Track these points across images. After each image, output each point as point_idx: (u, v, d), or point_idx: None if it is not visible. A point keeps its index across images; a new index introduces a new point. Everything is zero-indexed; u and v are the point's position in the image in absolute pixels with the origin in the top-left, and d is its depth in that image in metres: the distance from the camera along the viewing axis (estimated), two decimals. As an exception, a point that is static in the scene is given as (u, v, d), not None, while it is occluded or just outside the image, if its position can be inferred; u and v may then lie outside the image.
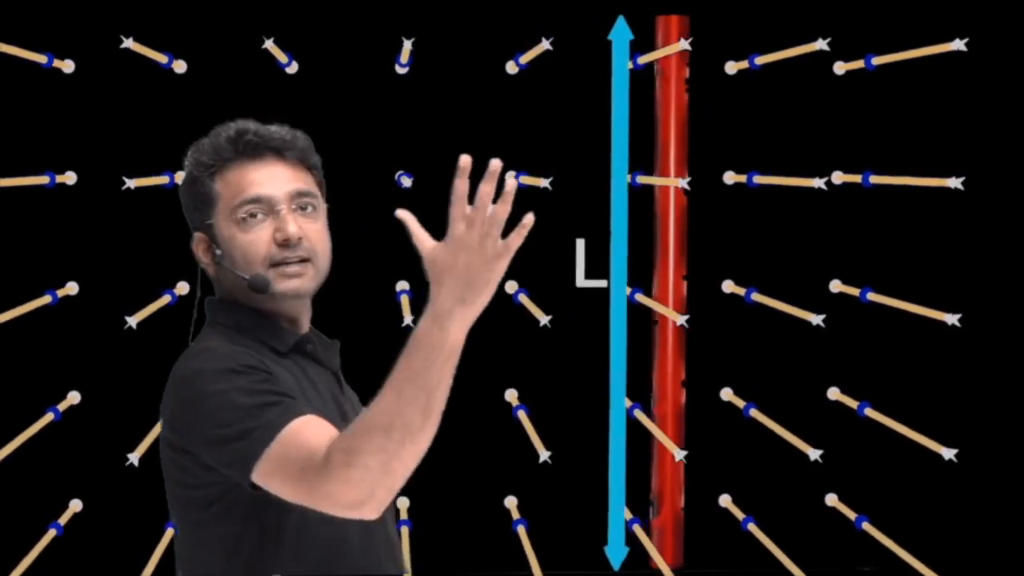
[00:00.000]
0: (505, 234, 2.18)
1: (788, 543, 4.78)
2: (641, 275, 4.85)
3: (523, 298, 4.75)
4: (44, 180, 4.65)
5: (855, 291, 4.80)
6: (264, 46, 4.67)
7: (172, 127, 4.50)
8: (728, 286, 4.84)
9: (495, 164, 2.13)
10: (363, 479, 2.23)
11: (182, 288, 4.66)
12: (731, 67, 4.80)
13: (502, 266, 2.18)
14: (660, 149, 4.86)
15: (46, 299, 4.66)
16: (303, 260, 2.55)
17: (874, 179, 4.76)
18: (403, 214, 2.21)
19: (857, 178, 4.76)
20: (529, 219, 2.18)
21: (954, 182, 4.72)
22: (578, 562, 4.80)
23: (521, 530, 4.75)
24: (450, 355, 2.20)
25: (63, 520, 4.65)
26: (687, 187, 4.81)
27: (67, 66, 4.65)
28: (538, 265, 4.68)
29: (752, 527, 4.78)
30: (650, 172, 4.85)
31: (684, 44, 4.76)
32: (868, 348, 4.84)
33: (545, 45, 4.72)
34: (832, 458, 4.77)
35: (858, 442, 4.80)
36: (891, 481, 4.82)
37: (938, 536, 4.78)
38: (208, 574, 2.50)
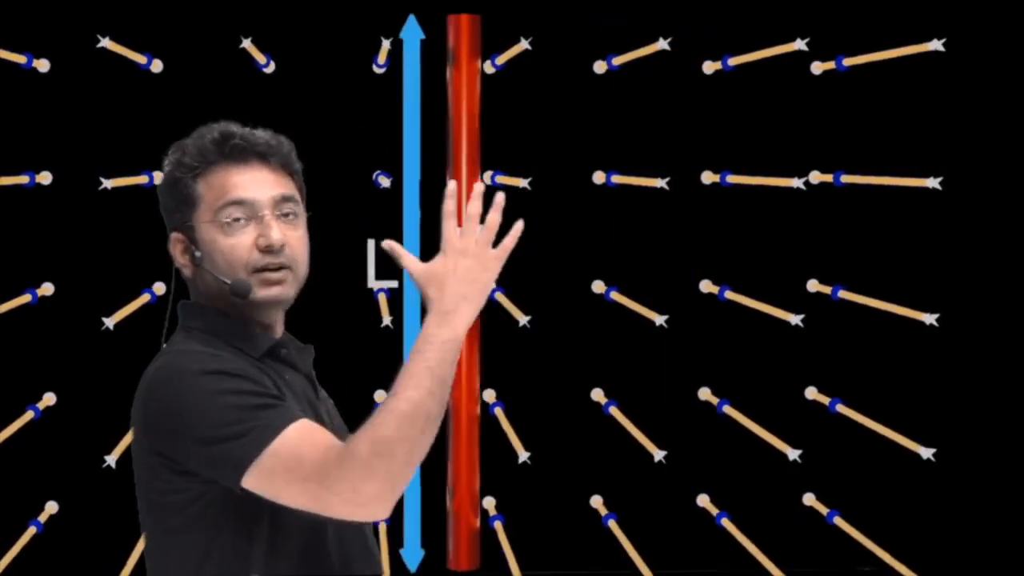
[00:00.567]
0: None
1: (766, 542, 4.78)
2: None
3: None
4: (23, 180, 4.63)
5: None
6: (242, 46, 4.66)
7: (149, 127, 4.49)
8: (706, 286, 4.84)
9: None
10: (388, 469, 2.30)
11: (160, 289, 4.64)
12: (708, 67, 4.80)
13: (497, 267, 2.39)
14: (452, 147, 4.76)
15: (26, 298, 4.63)
16: (283, 267, 2.54)
17: (853, 179, 4.76)
18: (389, 244, 2.41)
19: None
20: (519, 225, 2.40)
21: (932, 182, 4.73)
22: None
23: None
24: (457, 349, 2.36)
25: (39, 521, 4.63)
26: (666, 186, 4.81)
27: (43, 65, 4.63)
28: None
29: (726, 522, 4.78)
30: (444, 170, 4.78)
31: (525, 43, 4.73)
32: (847, 348, 4.84)
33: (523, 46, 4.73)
34: (810, 458, 4.78)
35: (837, 442, 4.81)
36: (869, 481, 4.83)
37: (917, 535, 4.79)
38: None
